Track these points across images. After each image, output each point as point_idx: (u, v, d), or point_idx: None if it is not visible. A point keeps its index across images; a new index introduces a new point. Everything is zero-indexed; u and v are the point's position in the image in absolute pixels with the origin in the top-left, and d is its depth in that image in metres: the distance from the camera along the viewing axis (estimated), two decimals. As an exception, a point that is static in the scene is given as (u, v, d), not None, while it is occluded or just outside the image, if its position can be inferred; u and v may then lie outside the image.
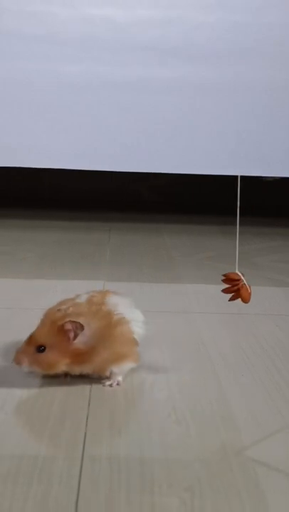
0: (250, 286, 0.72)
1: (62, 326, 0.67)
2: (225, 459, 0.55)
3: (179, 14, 1.47)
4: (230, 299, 0.73)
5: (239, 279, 0.72)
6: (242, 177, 1.64)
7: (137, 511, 0.47)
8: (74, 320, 0.67)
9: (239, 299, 0.73)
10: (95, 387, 0.69)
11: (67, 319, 0.67)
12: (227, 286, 0.72)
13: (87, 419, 0.61)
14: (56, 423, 0.61)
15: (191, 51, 1.48)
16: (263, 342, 0.87)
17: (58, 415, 0.63)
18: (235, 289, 0.72)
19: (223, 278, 0.72)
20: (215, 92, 1.50)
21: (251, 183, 1.95)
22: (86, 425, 0.60)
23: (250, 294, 0.72)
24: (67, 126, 1.51)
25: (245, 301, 0.72)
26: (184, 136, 1.53)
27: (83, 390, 0.68)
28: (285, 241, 1.62)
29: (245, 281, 0.72)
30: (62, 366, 0.68)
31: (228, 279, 0.72)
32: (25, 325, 0.88)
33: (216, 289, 1.09)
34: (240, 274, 0.72)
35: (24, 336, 0.84)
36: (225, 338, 0.87)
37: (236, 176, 1.59)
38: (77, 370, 0.69)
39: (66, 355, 0.67)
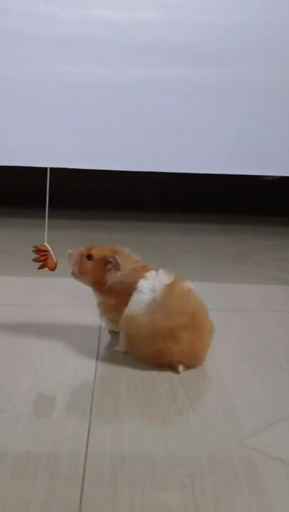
0: (56, 257, 0.84)
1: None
2: (225, 447, 0.56)
3: (179, 15, 1.49)
4: (39, 268, 0.85)
5: (47, 250, 0.84)
6: (243, 176, 1.66)
7: (140, 496, 0.48)
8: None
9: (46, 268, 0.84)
10: (98, 379, 0.70)
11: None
12: (37, 256, 0.84)
13: (90, 410, 0.63)
14: (61, 414, 0.62)
15: (191, 52, 1.49)
16: (264, 337, 0.88)
17: (62, 406, 0.64)
18: (43, 258, 0.84)
19: (33, 249, 0.84)
20: (215, 92, 1.51)
21: (252, 182, 1.96)
22: (90, 415, 0.61)
23: (55, 263, 0.85)
24: (68, 126, 1.52)
25: (51, 269, 0.84)
26: (184, 136, 1.54)
27: (87, 382, 0.69)
28: (285, 239, 1.63)
29: (52, 253, 0.84)
30: None
31: (37, 250, 0.84)
32: (31, 320, 0.90)
33: (216, 286, 1.11)
34: (48, 246, 0.85)
35: (30, 331, 0.85)
36: (226, 333, 0.88)
37: (237, 175, 1.61)
38: None
39: None
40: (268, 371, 0.76)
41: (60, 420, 0.61)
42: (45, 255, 0.84)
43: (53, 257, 0.84)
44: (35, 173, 2.03)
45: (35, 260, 0.85)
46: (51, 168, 1.60)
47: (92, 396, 0.66)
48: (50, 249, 0.84)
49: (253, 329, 0.92)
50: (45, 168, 1.59)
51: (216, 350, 0.81)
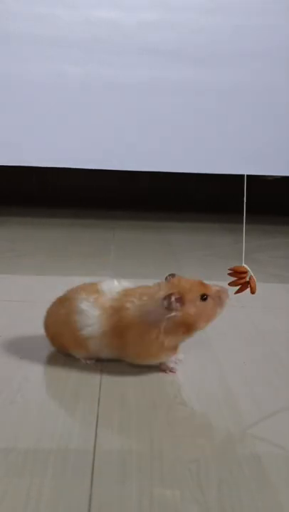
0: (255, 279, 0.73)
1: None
2: (228, 435, 0.59)
3: (182, 17, 1.51)
4: (237, 292, 0.74)
5: (246, 272, 0.73)
6: (243, 176, 1.68)
7: (147, 480, 0.51)
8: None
9: (243, 292, 0.73)
10: (105, 372, 0.73)
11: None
12: (234, 279, 0.73)
13: (98, 402, 0.65)
14: (69, 406, 0.65)
15: (193, 53, 1.51)
16: (264, 333, 0.91)
17: (70, 398, 0.66)
18: (242, 281, 0.73)
19: (230, 272, 0.73)
20: (216, 93, 1.54)
21: (252, 181, 1.99)
22: (98, 407, 0.64)
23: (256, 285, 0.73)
24: (72, 127, 1.55)
25: (254, 292, 0.73)
26: (185, 137, 1.57)
27: (94, 375, 0.72)
28: (286, 238, 1.66)
29: (252, 274, 0.73)
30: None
31: (235, 272, 0.73)
32: (36, 317, 0.92)
33: (216, 284, 1.13)
34: (246, 267, 0.73)
35: (37, 326, 0.87)
36: (227, 329, 0.91)
37: (238, 175, 1.63)
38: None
39: None
40: (268, 365, 0.78)
41: (68, 413, 0.64)
42: (245, 277, 0.74)
43: (254, 278, 0.74)
44: (35, 173, 2.05)
45: (233, 284, 0.73)
46: (53, 168, 1.63)
47: (100, 388, 0.68)
48: (249, 270, 0.74)
49: (253, 325, 0.94)
50: (45, 168, 1.62)
51: (218, 346, 0.83)
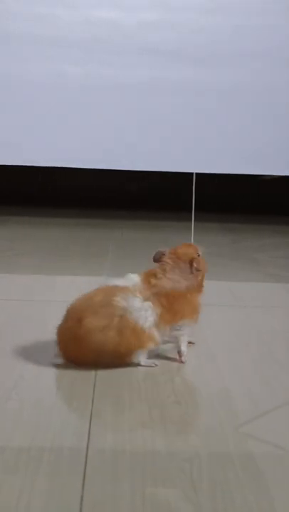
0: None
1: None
2: (221, 434, 0.59)
3: (182, 17, 1.51)
4: None
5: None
6: (242, 176, 1.69)
7: (140, 479, 0.51)
8: None
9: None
10: (100, 371, 0.73)
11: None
12: None
13: (92, 401, 0.65)
14: (63, 404, 0.65)
15: (193, 53, 1.51)
16: (261, 332, 0.90)
17: (65, 397, 0.67)
18: None
19: None
20: (216, 93, 1.54)
21: (251, 181, 1.99)
22: (92, 405, 0.64)
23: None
24: (72, 127, 1.55)
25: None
26: (186, 137, 1.57)
27: (89, 374, 0.72)
28: (286, 238, 1.66)
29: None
30: None
31: None
32: (35, 316, 0.93)
33: (216, 283, 1.13)
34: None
35: (35, 325, 0.87)
36: (224, 327, 0.91)
37: (238, 175, 1.63)
38: None
39: None
40: (264, 363, 0.78)
41: (62, 411, 0.64)
42: None
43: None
44: (36, 173, 2.05)
45: None
46: (53, 168, 1.64)
47: (94, 387, 0.68)
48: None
49: (251, 324, 0.94)
50: (46, 168, 1.63)
51: (215, 344, 0.83)
